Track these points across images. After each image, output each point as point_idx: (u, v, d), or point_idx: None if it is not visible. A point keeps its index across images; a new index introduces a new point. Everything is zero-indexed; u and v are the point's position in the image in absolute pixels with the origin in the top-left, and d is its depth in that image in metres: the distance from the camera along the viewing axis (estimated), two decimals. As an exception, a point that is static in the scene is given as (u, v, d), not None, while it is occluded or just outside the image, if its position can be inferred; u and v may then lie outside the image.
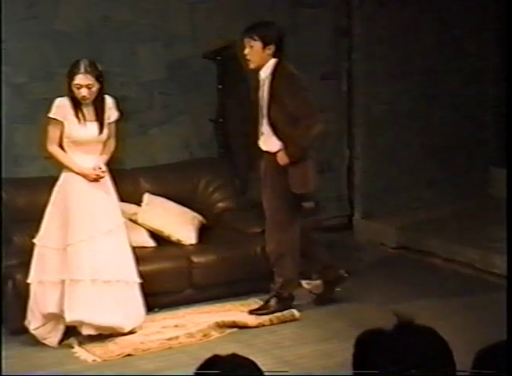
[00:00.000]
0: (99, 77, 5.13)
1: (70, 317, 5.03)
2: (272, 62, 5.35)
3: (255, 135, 5.48)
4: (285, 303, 5.60)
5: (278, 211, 5.44)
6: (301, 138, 5.37)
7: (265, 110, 5.37)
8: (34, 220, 5.23)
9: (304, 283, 6.18)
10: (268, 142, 5.41)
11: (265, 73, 5.36)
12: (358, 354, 1.97)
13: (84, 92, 5.09)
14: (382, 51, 7.32)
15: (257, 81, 5.42)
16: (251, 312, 5.56)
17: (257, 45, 5.31)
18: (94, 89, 5.12)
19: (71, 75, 5.11)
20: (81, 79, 5.08)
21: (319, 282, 6.15)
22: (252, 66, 5.39)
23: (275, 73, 5.32)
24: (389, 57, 7.36)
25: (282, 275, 5.56)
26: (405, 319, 1.95)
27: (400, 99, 7.45)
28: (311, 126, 5.38)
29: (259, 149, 5.50)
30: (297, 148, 5.36)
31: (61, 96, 5.18)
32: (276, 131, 5.36)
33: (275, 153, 5.36)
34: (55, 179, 5.21)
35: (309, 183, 5.48)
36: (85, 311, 5.03)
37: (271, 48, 5.32)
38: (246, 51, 5.36)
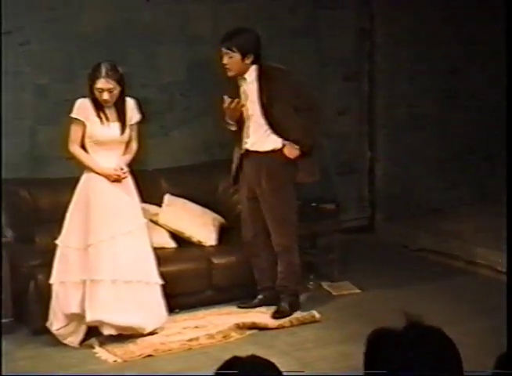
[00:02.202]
0: (120, 81, 5.14)
1: (90, 317, 5.06)
2: (254, 67, 5.39)
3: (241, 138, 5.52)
4: (296, 302, 5.61)
5: (287, 204, 5.50)
6: (314, 128, 5.52)
7: (257, 112, 5.40)
8: (56, 221, 5.26)
9: (324, 284, 6.19)
10: (267, 141, 5.45)
11: (250, 77, 5.40)
12: (369, 352, 1.98)
13: (105, 95, 5.11)
14: (404, 52, 7.30)
15: (237, 86, 5.45)
16: (273, 316, 5.55)
17: (236, 56, 5.34)
18: (115, 92, 5.14)
19: (93, 79, 5.13)
20: (102, 83, 5.10)
21: (340, 283, 6.16)
22: (231, 74, 5.41)
23: (261, 76, 5.38)
24: (411, 58, 7.34)
25: (293, 272, 5.58)
26: (414, 319, 1.97)
27: (422, 101, 7.43)
28: (319, 114, 5.56)
29: (246, 152, 5.50)
30: (310, 138, 5.50)
31: (83, 97, 5.21)
32: (277, 128, 5.40)
33: (279, 150, 5.42)
34: (77, 180, 5.23)
35: (317, 172, 5.62)
36: (106, 311, 5.05)
37: (250, 58, 5.36)
38: (225, 61, 5.38)
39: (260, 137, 5.47)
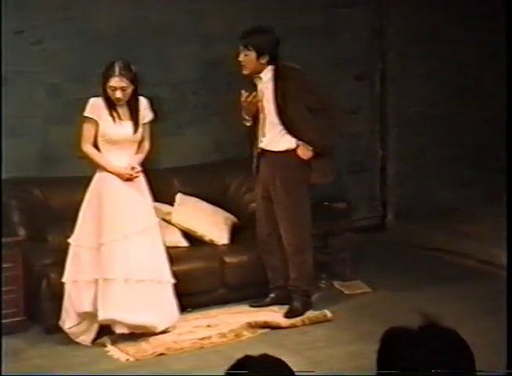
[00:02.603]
0: (133, 80, 5.16)
1: (102, 316, 5.07)
2: (270, 67, 5.41)
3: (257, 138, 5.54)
4: (308, 302, 5.62)
5: (300, 205, 5.52)
6: (329, 129, 5.50)
7: (272, 111, 5.42)
8: (68, 219, 5.28)
9: (336, 283, 6.18)
10: (282, 141, 5.47)
11: (265, 77, 5.42)
12: (383, 350, 1.99)
13: (118, 94, 5.13)
14: (415, 51, 7.29)
15: (254, 85, 5.46)
16: (286, 315, 5.55)
17: (252, 54, 5.37)
18: (128, 91, 5.16)
19: (106, 77, 5.14)
20: (115, 82, 5.12)
21: (352, 282, 6.15)
22: (246, 72, 5.44)
23: (277, 76, 5.39)
24: (422, 57, 7.32)
25: (306, 272, 5.59)
26: (430, 319, 1.98)
27: (433, 100, 7.41)
28: (336, 116, 5.51)
29: (262, 151, 5.52)
30: (324, 140, 5.49)
31: (95, 96, 5.22)
32: (291, 128, 5.41)
33: (293, 150, 5.43)
34: (89, 179, 5.24)
35: (331, 172, 5.63)
36: (118, 310, 5.07)
37: (265, 58, 5.38)
38: (241, 58, 5.41)
39: (275, 137, 5.48)
